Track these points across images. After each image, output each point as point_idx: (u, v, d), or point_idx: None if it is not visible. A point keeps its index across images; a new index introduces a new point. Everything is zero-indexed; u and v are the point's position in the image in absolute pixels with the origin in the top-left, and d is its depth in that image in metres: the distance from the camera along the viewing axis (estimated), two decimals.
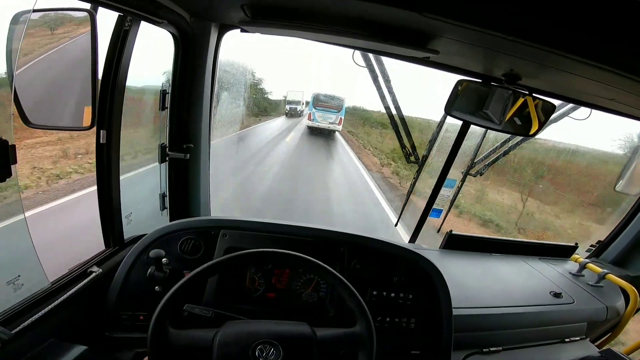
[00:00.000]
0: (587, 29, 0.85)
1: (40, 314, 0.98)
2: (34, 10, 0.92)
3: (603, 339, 2.05)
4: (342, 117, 17.96)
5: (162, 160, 1.52)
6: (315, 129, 18.07)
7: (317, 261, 1.07)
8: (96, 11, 0.96)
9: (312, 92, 17.83)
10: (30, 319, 0.95)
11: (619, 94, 1.21)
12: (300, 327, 1.02)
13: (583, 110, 1.65)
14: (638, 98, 1.20)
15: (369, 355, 0.99)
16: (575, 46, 0.89)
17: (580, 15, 0.81)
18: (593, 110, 1.58)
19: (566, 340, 1.71)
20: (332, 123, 17.75)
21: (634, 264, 2.18)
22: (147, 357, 0.92)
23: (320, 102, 17.52)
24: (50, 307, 1.01)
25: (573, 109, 1.70)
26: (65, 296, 1.06)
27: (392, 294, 1.35)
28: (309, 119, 17.95)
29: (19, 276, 1.03)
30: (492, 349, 1.55)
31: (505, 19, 0.86)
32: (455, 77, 1.41)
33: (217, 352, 0.91)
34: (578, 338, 1.74)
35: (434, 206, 2.04)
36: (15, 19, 0.92)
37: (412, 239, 2.16)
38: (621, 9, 0.76)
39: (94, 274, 1.18)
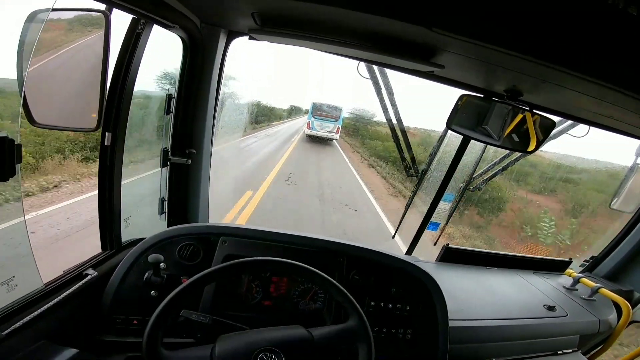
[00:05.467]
0: (587, 46, 0.87)
1: (32, 315, 0.97)
2: (53, 10, 0.91)
3: (595, 351, 2.07)
4: (340, 126, 18.24)
5: (163, 165, 1.51)
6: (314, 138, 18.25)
7: (304, 265, 1.08)
8: (111, 12, 0.96)
9: (312, 102, 18.05)
10: (22, 320, 0.94)
11: (617, 111, 1.24)
12: (296, 330, 1.03)
13: (581, 128, 1.68)
14: (635, 116, 1.22)
15: (368, 346, 1.01)
16: (576, 62, 0.91)
17: (581, 32, 0.84)
18: (591, 128, 1.61)
19: (559, 352, 1.73)
20: (330, 132, 18.09)
21: (626, 278, 2.22)
22: None
23: (319, 112, 17.77)
24: (43, 308, 1.00)
25: (571, 126, 1.73)
26: (58, 298, 1.05)
27: (390, 305, 1.35)
28: (308, 127, 18.15)
29: (13, 277, 1.02)
30: None
31: (510, 35, 0.88)
32: (459, 92, 1.43)
33: None
34: (570, 350, 1.76)
35: (432, 219, 2.06)
36: (31, 18, 0.92)
37: (409, 251, 2.16)
38: (621, 26, 0.79)
39: (89, 277, 1.16)
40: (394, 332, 1.35)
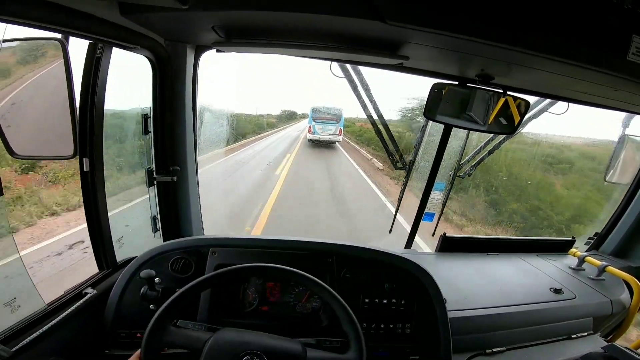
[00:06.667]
0: (550, 28, 0.89)
1: (37, 333, 1.01)
2: (4, 41, 0.94)
3: (615, 333, 2.00)
4: (342, 128, 18.11)
5: (150, 184, 1.54)
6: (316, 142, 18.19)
7: (313, 277, 1.08)
8: (67, 40, 0.98)
9: (311, 106, 17.97)
10: (28, 338, 0.99)
11: (590, 86, 1.23)
12: (292, 344, 1.01)
13: (561, 105, 1.66)
14: (608, 89, 1.21)
15: None
16: (541, 45, 0.92)
17: (542, 15, 0.85)
18: (570, 104, 1.59)
19: (573, 336, 1.67)
20: (332, 134, 17.92)
21: (634, 254, 2.15)
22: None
23: (319, 115, 17.62)
24: (47, 326, 1.04)
25: (551, 104, 1.71)
26: (61, 316, 1.09)
27: (385, 301, 1.34)
28: (310, 132, 18.01)
29: (15, 298, 1.07)
30: (494, 349, 1.53)
31: (468, 23, 0.88)
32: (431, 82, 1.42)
33: (205, 355, 0.93)
34: (585, 334, 1.70)
35: (426, 210, 2.04)
36: None
37: (408, 245, 2.15)
38: (580, 6, 0.81)
39: (88, 295, 1.20)
40: (392, 327, 1.34)
